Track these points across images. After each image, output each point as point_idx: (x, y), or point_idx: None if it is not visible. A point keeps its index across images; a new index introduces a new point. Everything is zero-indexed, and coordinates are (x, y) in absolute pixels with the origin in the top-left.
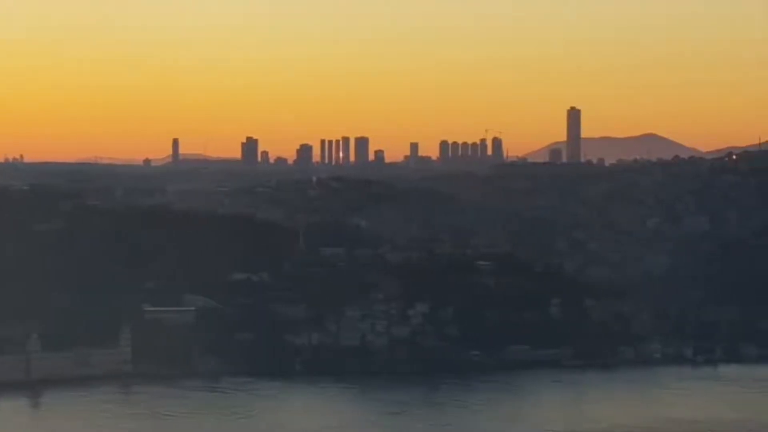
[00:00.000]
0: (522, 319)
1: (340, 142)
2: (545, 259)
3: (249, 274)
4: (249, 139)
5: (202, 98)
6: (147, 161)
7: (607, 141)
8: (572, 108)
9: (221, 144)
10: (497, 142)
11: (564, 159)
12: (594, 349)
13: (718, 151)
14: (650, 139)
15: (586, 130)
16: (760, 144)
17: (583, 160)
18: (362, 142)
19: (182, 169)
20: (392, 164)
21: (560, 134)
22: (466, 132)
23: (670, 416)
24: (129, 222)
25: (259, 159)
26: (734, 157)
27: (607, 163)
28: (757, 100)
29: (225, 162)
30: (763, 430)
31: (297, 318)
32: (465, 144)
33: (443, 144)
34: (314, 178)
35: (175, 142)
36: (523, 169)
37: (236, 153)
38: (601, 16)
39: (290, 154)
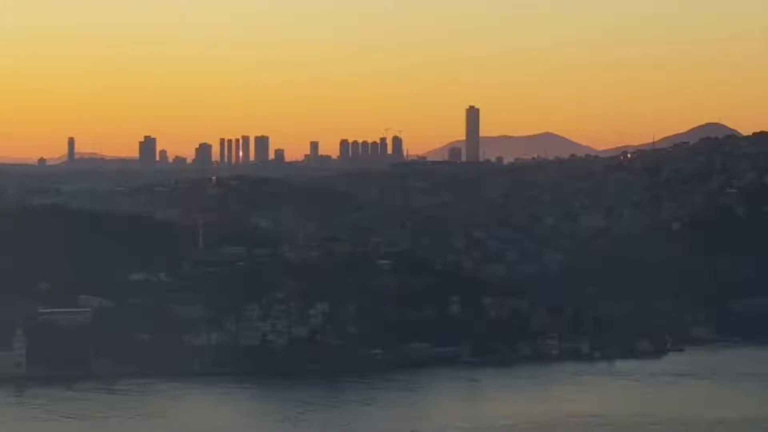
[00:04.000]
0: (421, 317)
1: (240, 141)
2: (444, 257)
3: (147, 274)
4: (147, 138)
5: (98, 97)
6: (42, 161)
7: (505, 140)
8: (471, 107)
9: (118, 143)
10: (397, 141)
11: (463, 158)
12: (492, 345)
13: (613, 149)
14: (548, 138)
15: (485, 129)
16: (653, 143)
17: (481, 158)
18: (262, 141)
19: (78, 169)
20: (292, 163)
21: (459, 133)
22: (366, 131)
23: (569, 411)
24: (23, 222)
25: (158, 158)
26: (629, 155)
27: (505, 162)
28: (651, 100)
29: (122, 161)
30: (661, 424)
31: (196, 318)
32: (365, 143)
33: (343, 143)
34: (213, 178)
35: (71, 142)
36: (422, 167)
37: (134, 152)
38: (499, 16)
39: (189, 153)
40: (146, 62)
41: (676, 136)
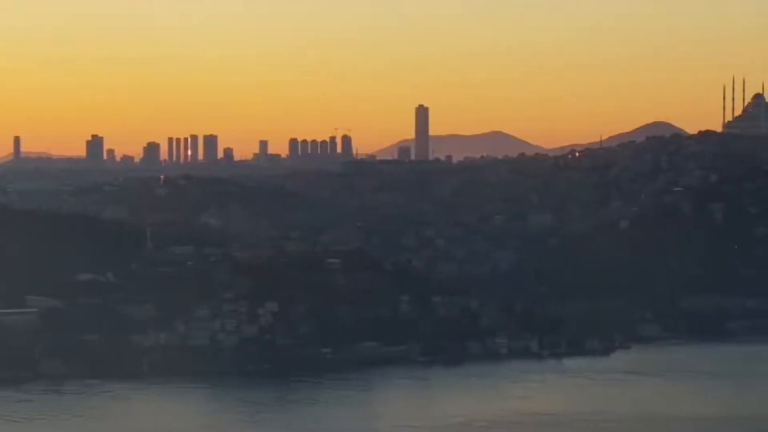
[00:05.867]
0: (372, 316)
1: (188, 140)
2: (394, 255)
3: (95, 274)
4: (94, 137)
5: (45, 96)
6: None
7: (454, 139)
8: (420, 106)
9: (65, 142)
10: (347, 140)
11: (413, 156)
12: (442, 344)
13: (562, 148)
14: (497, 136)
15: (435, 128)
16: (600, 142)
17: (431, 157)
18: (211, 140)
19: (24, 168)
20: (241, 162)
21: (409, 132)
22: (316, 130)
23: (521, 409)
24: None
25: (105, 157)
26: (577, 154)
27: (454, 161)
28: (598, 100)
29: (69, 161)
30: (614, 421)
31: (144, 318)
32: (314, 142)
33: (293, 142)
34: (162, 177)
35: (17, 141)
36: (372, 166)
37: (81, 151)
38: (448, 16)
39: (137, 153)
40: (92, 61)
41: (623, 134)
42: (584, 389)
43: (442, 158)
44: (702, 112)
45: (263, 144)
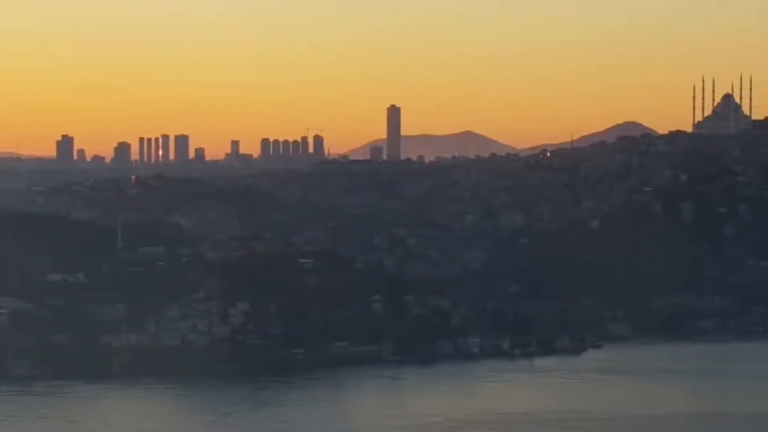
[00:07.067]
0: (343, 316)
1: (160, 140)
2: (366, 255)
3: (64, 274)
4: (64, 137)
5: (14, 95)
6: None
7: (426, 139)
8: (392, 106)
9: (35, 142)
10: (318, 140)
11: (384, 156)
12: (413, 344)
13: (533, 148)
14: (468, 136)
15: (406, 128)
16: (572, 142)
17: (403, 157)
18: (182, 140)
19: None
20: (213, 162)
21: (381, 132)
22: (288, 130)
23: (494, 408)
24: None
25: (76, 157)
26: (548, 154)
27: (426, 161)
28: (569, 99)
29: (39, 160)
30: (587, 420)
31: (115, 318)
32: (286, 142)
33: (264, 142)
34: (133, 177)
35: None
36: (343, 166)
37: (51, 151)
38: (420, 16)
39: (108, 152)
40: (62, 60)
41: (594, 134)
42: (556, 388)
43: (414, 158)
44: (672, 112)
45: (235, 144)
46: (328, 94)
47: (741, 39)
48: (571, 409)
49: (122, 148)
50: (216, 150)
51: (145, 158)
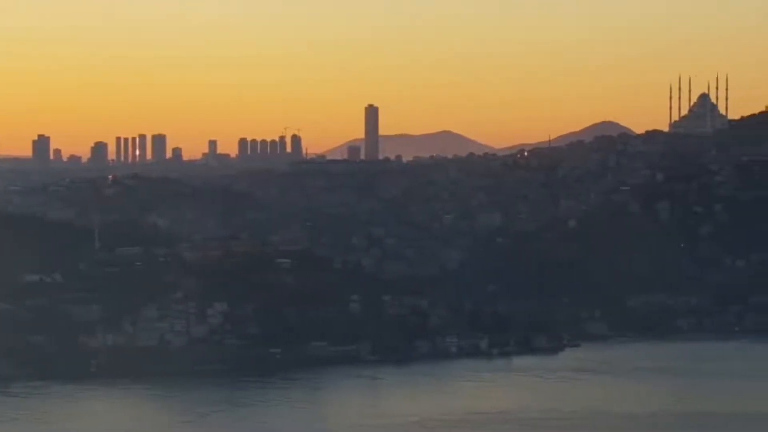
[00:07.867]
0: (321, 316)
1: (137, 140)
2: (344, 255)
3: (41, 275)
4: (40, 136)
5: None
6: None
7: (404, 138)
8: (370, 105)
9: (11, 142)
10: (296, 140)
11: (362, 156)
12: (391, 343)
13: (511, 148)
14: (446, 136)
15: (384, 128)
16: (549, 141)
17: (381, 157)
18: (159, 140)
19: None
20: (190, 162)
21: (358, 132)
22: (265, 130)
23: (473, 407)
24: None
25: (52, 157)
26: (526, 153)
27: (404, 161)
28: (547, 99)
29: (15, 160)
30: (566, 419)
31: (92, 319)
32: (264, 141)
33: (242, 141)
34: (110, 177)
35: None
36: (321, 166)
37: (27, 151)
38: (398, 15)
39: (84, 152)
40: (38, 59)
41: (572, 134)
42: (534, 387)
43: (392, 158)
44: (649, 111)
45: (212, 144)
46: (306, 93)
47: (717, 39)
48: (549, 408)
49: (99, 148)
50: (193, 150)
51: (122, 158)
